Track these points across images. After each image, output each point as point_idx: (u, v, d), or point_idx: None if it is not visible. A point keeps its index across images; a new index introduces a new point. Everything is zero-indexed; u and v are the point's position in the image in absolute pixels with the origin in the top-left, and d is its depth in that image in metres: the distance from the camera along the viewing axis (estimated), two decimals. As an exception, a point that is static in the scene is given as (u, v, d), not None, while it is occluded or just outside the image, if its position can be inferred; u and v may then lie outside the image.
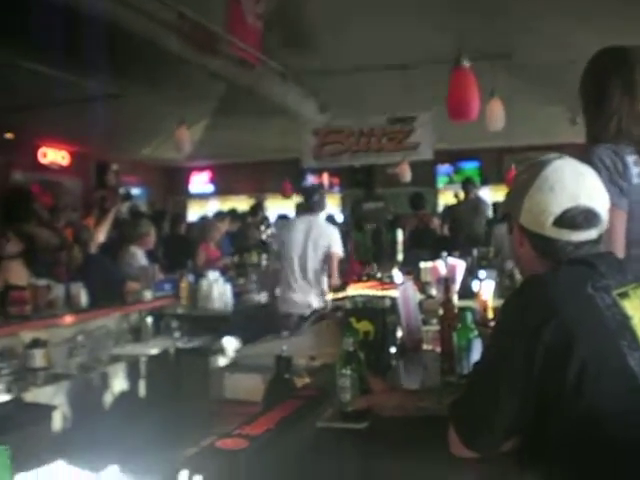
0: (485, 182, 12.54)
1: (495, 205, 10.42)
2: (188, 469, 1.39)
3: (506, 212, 1.74)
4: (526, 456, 1.52)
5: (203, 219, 9.99)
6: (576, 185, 1.56)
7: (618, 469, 1.41)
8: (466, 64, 3.90)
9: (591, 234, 1.57)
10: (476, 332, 2.25)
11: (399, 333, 2.81)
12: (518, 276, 5.22)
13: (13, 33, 6.70)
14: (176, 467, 0.97)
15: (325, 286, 5.58)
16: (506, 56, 7.64)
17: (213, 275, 5.80)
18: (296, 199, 12.42)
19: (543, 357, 1.42)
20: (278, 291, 5.80)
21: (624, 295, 1.49)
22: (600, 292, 1.47)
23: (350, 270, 5.65)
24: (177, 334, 4.85)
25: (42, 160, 11.82)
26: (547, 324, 1.42)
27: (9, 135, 10.32)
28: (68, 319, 4.32)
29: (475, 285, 3.95)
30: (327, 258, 5.66)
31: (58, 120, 9.68)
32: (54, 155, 12.06)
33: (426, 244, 7.44)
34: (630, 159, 2.05)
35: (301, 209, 6.18)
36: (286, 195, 12.94)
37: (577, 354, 1.40)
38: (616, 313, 1.46)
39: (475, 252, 6.45)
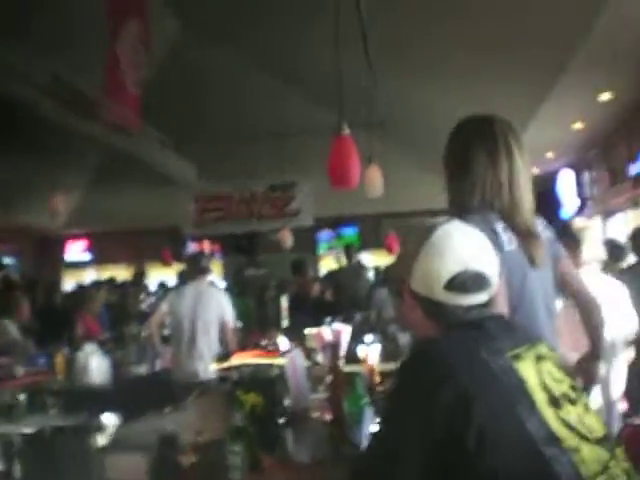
0: (364, 247, 12.77)
1: (376, 269, 10.62)
2: None
3: (395, 276, 1.73)
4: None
5: (81, 288, 9.63)
6: (464, 249, 1.57)
7: None
8: (346, 132, 3.97)
9: (481, 297, 1.57)
10: (367, 399, 2.23)
11: (286, 403, 2.75)
12: (402, 339, 5.32)
13: None
14: None
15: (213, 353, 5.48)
16: (380, 124, 7.91)
17: (90, 347, 5.54)
18: (176, 267, 12.23)
19: (442, 421, 1.40)
20: (159, 362, 5.66)
21: (517, 357, 1.50)
22: (494, 356, 1.48)
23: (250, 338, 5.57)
24: (53, 411, 4.57)
25: None
26: (442, 387, 1.41)
27: None
28: None
29: (361, 350, 3.96)
30: (222, 327, 5.60)
31: None
32: None
33: (307, 310, 7.43)
34: (499, 227, 2.10)
35: (188, 276, 6.06)
36: (166, 263, 12.72)
37: (475, 419, 1.39)
38: (511, 377, 1.47)
39: (358, 316, 6.50)
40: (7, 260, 13.47)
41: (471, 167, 2.13)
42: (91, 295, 7.56)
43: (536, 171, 10.23)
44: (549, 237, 2.29)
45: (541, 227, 2.25)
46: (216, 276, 13.34)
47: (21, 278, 12.10)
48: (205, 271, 5.85)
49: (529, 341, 1.59)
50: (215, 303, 5.68)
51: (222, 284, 11.89)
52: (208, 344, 5.56)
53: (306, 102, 9.03)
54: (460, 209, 2.10)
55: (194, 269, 5.90)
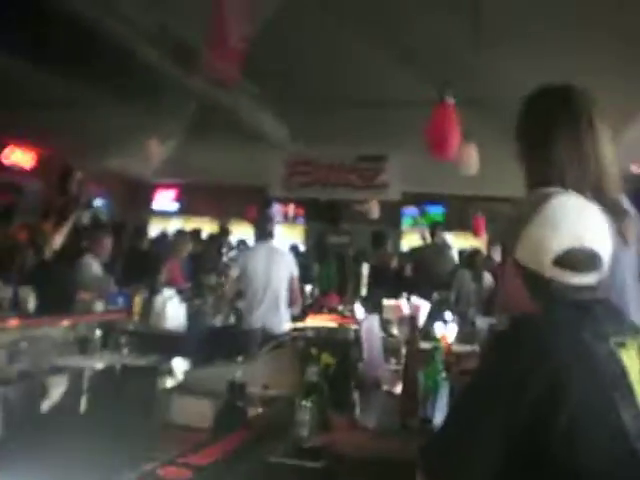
0: (449, 227, 12.54)
1: (460, 251, 10.42)
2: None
3: (501, 243, 1.62)
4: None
5: (165, 235, 9.79)
6: (580, 224, 1.45)
7: None
8: (450, 100, 3.84)
9: (591, 278, 1.45)
10: (444, 374, 2.14)
11: (359, 368, 2.70)
12: (480, 323, 5.20)
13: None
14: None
15: (287, 312, 5.74)
16: (480, 102, 7.68)
17: (169, 293, 5.63)
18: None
19: (529, 405, 1.31)
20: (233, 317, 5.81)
21: (622, 345, 1.38)
22: (597, 340, 1.37)
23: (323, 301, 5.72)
24: (125, 350, 4.66)
25: (5, 160, 11.53)
26: (536, 372, 1.31)
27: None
28: (13, 323, 4.12)
29: (438, 328, 3.87)
30: (290, 284, 5.91)
31: (26, 122, 9.46)
32: (19, 156, 11.77)
33: (386, 282, 7.35)
34: None
35: (261, 236, 6.28)
36: (250, 221, 12.80)
37: (567, 404, 1.29)
38: (613, 364, 1.36)
39: (436, 295, 6.38)
40: (98, 202, 13.83)
41: (553, 141, 1.97)
42: (179, 243, 7.67)
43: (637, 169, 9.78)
44: (636, 214, 2.13)
45: (627, 204, 2.08)
46: (297, 240, 13.41)
47: (109, 219, 12.43)
48: (272, 235, 6.17)
49: (636, 330, 1.46)
50: (284, 263, 5.98)
51: (302, 248, 11.94)
52: (280, 302, 5.82)
53: (407, 76, 8.84)
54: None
55: (264, 232, 6.19)
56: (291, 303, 5.88)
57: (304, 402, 1.73)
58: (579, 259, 1.42)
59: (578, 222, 1.44)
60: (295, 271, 6.01)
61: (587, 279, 1.44)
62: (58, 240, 6.03)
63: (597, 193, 1.87)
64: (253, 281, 5.83)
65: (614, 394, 1.33)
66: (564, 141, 1.95)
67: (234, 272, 6.10)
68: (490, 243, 10.25)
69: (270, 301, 5.78)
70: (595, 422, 1.31)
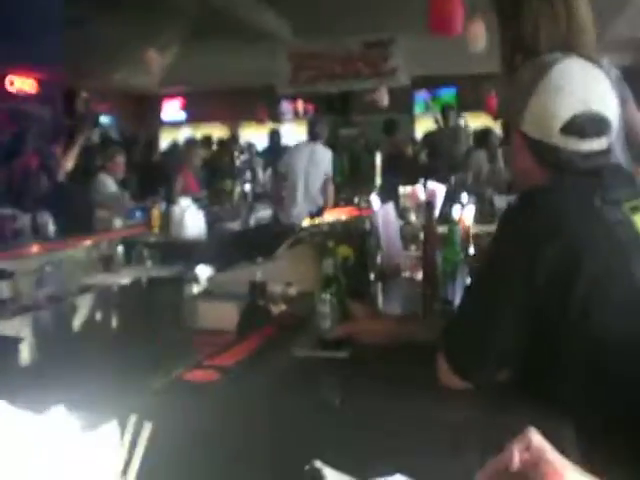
0: (463, 108, 12.32)
1: (474, 132, 10.27)
2: (152, 405, 1.27)
3: (503, 118, 1.57)
4: (524, 385, 1.41)
5: (175, 145, 9.73)
6: (587, 88, 1.39)
7: (627, 392, 1.31)
8: (450, -27, 3.68)
9: (601, 143, 1.40)
10: (462, 255, 2.14)
11: (378, 258, 2.70)
12: (498, 202, 5.17)
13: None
14: (130, 409, 0.86)
15: None
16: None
17: (186, 202, 5.63)
18: (270, 125, 12.19)
19: (546, 275, 1.30)
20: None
21: (635, 210, 1.36)
22: (609, 205, 1.34)
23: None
24: (149, 263, 4.71)
25: (9, 88, 11.40)
26: (551, 238, 1.30)
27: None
28: (35, 249, 4.16)
29: (456, 210, 3.84)
30: (324, 183, 6.29)
31: (25, 46, 9.28)
32: (21, 83, 11.63)
33: (399, 170, 7.30)
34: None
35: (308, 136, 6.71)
36: (261, 121, 12.68)
37: (584, 271, 1.28)
38: (627, 229, 1.34)
39: (453, 179, 6.33)
40: (105, 119, 13.73)
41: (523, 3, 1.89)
42: (190, 152, 7.64)
43: None
44: (616, 75, 2.06)
45: (607, 65, 2.00)
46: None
47: (119, 136, 12.36)
48: (317, 136, 6.52)
49: None
50: (322, 162, 6.31)
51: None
52: (315, 198, 6.23)
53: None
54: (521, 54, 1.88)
55: (310, 131, 6.61)
56: (325, 203, 6.14)
57: (323, 295, 1.74)
58: (587, 124, 1.38)
59: (584, 86, 1.39)
60: (330, 171, 6.31)
61: (596, 144, 1.40)
62: (69, 161, 6.02)
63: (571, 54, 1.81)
64: (293, 179, 6.29)
65: (631, 260, 1.32)
66: (535, 2, 1.89)
67: (281, 169, 6.58)
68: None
69: (307, 199, 6.20)
70: (611, 285, 1.30)
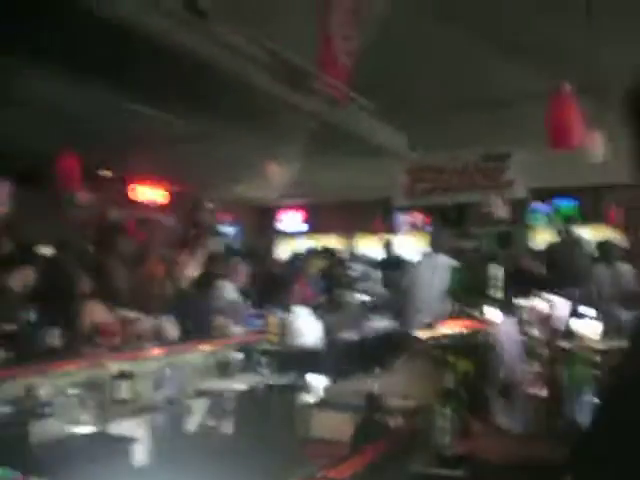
0: (582, 221, 12.06)
1: (596, 244, 10.00)
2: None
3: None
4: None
5: (296, 255, 9.95)
6: None
7: None
8: (567, 88, 3.69)
9: None
10: (590, 372, 2.04)
11: (500, 374, 2.62)
12: (624, 316, 4.95)
13: (112, 73, 6.91)
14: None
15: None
16: (603, 89, 7.35)
17: (303, 311, 5.70)
18: (385, 237, 12.30)
19: None
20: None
21: None
22: None
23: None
24: (265, 370, 4.74)
25: (138, 198, 12.10)
26: None
27: (106, 172, 10.60)
28: (156, 351, 4.28)
29: (580, 325, 3.70)
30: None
31: (154, 159, 9.91)
32: (150, 193, 12.33)
33: (518, 282, 7.15)
34: None
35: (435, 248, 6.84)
36: (376, 232, 12.82)
37: None
38: None
39: (576, 292, 6.13)
40: (228, 229, 14.27)
41: None
42: (309, 261, 7.79)
43: None
44: None
45: None
46: (426, 247, 13.29)
47: (241, 246, 12.78)
48: (439, 247, 6.70)
49: None
50: (446, 274, 6.14)
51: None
52: (436, 312, 5.93)
53: (521, 69, 8.59)
54: None
55: (433, 243, 6.83)
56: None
57: (442, 409, 1.69)
58: None
59: None
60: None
61: None
62: (194, 269, 6.24)
63: None
64: (416, 291, 6.40)
65: None
66: None
67: (404, 281, 6.68)
68: (626, 230, 9.81)
69: (429, 310, 6.05)
70: None
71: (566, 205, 13.36)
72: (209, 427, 3.92)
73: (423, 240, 13.88)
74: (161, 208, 12.54)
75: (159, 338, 4.60)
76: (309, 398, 3.77)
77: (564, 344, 2.65)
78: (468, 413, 1.74)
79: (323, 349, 5.46)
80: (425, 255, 6.77)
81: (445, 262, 6.47)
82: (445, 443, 1.69)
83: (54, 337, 4.04)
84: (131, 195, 11.92)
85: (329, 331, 5.90)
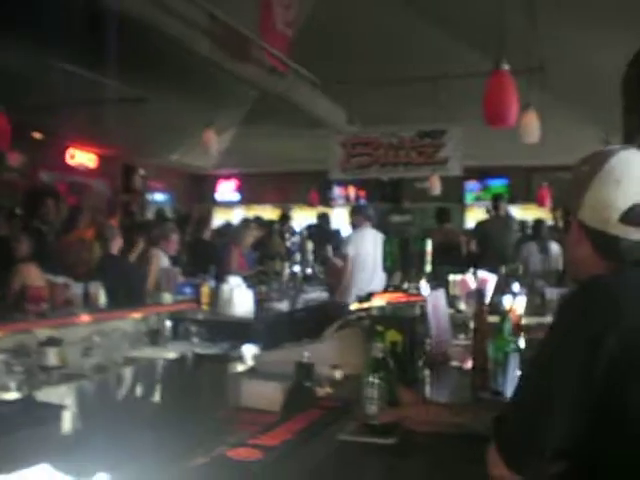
0: (513, 200, 12.33)
1: (523, 223, 10.24)
2: None
3: (562, 208, 1.57)
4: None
5: (228, 225, 9.90)
6: None
7: None
8: (505, 67, 3.74)
9: None
10: (513, 345, 2.10)
11: (427, 345, 2.67)
12: (549, 294, 5.09)
13: (45, 33, 6.69)
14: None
15: None
16: (539, 69, 7.48)
17: (235, 280, 5.67)
18: (318, 209, 12.34)
19: (605, 369, 1.26)
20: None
21: None
22: None
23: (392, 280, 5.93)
24: (196, 339, 4.72)
25: (70, 161, 11.81)
26: (611, 331, 1.26)
27: (37, 135, 10.29)
28: (84, 318, 4.20)
29: (507, 300, 3.79)
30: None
31: (86, 122, 9.66)
32: (82, 157, 12.04)
33: (450, 259, 7.29)
34: None
35: (356, 223, 7.03)
36: (312, 205, 12.85)
37: None
38: None
39: (504, 269, 6.27)
40: (161, 196, 14.08)
41: None
42: (242, 231, 7.75)
43: None
44: None
45: None
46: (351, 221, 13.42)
47: (174, 213, 12.62)
48: (371, 219, 6.95)
49: None
50: (377, 248, 6.29)
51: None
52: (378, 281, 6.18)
53: (460, 46, 8.66)
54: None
55: (362, 217, 6.91)
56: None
57: (371, 378, 1.71)
58: None
59: None
60: None
61: None
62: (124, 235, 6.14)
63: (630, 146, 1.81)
64: (362, 262, 6.55)
65: None
66: None
67: (350, 250, 6.72)
68: (554, 210, 10.07)
69: (372, 281, 6.30)
70: None
71: (497, 184, 13.63)
72: (138, 395, 3.89)
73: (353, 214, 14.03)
74: (93, 172, 12.27)
75: (88, 304, 4.52)
76: (239, 367, 3.78)
77: (490, 318, 2.71)
78: (396, 383, 1.77)
79: (254, 319, 5.45)
80: (364, 228, 6.84)
81: (375, 236, 6.63)
82: (373, 412, 1.71)
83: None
84: (63, 158, 11.62)
85: (261, 301, 5.90)
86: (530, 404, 1.37)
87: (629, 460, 1.28)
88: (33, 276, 4.59)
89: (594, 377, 1.27)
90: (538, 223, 8.48)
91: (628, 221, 1.38)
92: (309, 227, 10.75)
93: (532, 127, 6.23)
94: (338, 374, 2.40)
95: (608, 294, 1.33)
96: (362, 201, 14.51)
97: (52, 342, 3.56)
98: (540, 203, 11.37)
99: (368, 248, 6.59)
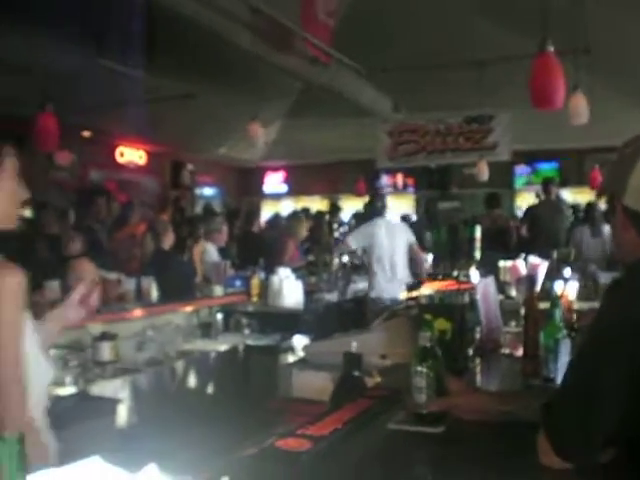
0: (565, 184, 12.11)
1: (575, 207, 10.05)
2: (244, 470, 1.27)
3: (607, 192, 1.53)
4: (628, 466, 1.33)
5: (277, 217, 9.94)
6: None
7: None
8: (550, 49, 3.67)
9: None
10: (564, 332, 2.07)
11: (477, 333, 2.65)
12: (602, 279, 5.00)
13: (93, 33, 6.80)
14: (221, 474, 0.86)
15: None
16: (585, 51, 7.32)
17: (284, 272, 5.70)
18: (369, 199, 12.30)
19: None
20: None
21: None
22: None
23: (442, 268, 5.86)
24: (247, 331, 4.77)
25: (119, 159, 12.00)
26: None
27: (86, 133, 10.47)
28: (137, 313, 4.28)
29: (558, 286, 3.74)
30: (410, 251, 6.37)
31: (135, 120, 9.79)
32: (131, 154, 12.22)
33: (500, 245, 7.21)
34: None
35: (373, 213, 6.72)
36: (360, 195, 12.82)
37: None
38: None
39: (555, 254, 6.18)
40: (209, 191, 14.22)
41: None
42: (295, 223, 7.78)
43: None
44: None
45: None
46: (408, 209, 13.35)
47: (222, 207, 12.73)
48: (384, 210, 6.63)
49: None
50: (401, 233, 6.44)
51: (413, 217, 11.87)
52: (402, 271, 6.25)
53: (506, 29, 8.53)
54: None
55: (378, 208, 6.62)
56: (417, 268, 6.30)
57: (419, 368, 1.70)
58: None
59: None
60: (413, 239, 6.45)
61: None
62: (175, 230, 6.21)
63: None
64: (379, 255, 6.27)
65: None
66: None
67: (354, 246, 6.53)
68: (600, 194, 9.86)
69: (394, 272, 6.20)
70: None
71: (548, 167, 13.41)
72: (192, 387, 3.96)
73: (405, 201, 13.97)
74: (142, 169, 12.45)
75: (140, 299, 4.60)
76: (290, 358, 3.80)
77: (541, 304, 2.68)
78: (445, 371, 1.76)
79: (304, 310, 5.48)
80: (378, 219, 6.57)
81: (395, 223, 6.68)
82: (422, 401, 1.71)
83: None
84: (112, 156, 11.81)
85: (311, 292, 5.92)
86: (578, 391, 1.35)
87: None
88: (87, 272, 4.68)
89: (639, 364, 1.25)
90: (590, 206, 8.31)
91: None
92: (355, 215, 10.74)
93: (581, 108, 6.11)
94: (387, 363, 2.40)
95: None
96: (410, 189, 14.43)
97: (106, 337, 3.63)
98: (592, 186, 11.14)
99: (382, 241, 6.32)
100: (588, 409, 1.32)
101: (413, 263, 6.36)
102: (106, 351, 3.59)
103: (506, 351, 2.80)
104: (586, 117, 6.21)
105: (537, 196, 9.61)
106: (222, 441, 1.74)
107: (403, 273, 6.24)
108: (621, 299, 1.33)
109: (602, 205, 8.72)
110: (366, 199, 12.20)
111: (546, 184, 8.92)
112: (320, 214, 10.51)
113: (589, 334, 1.40)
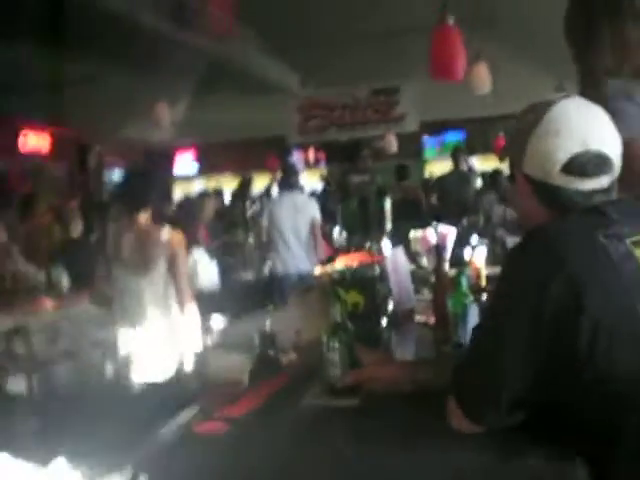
0: (471, 151, 12.37)
1: (483, 174, 10.31)
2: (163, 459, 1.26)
3: (507, 159, 1.58)
4: (535, 429, 1.38)
5: (187, 199, 9.81)
6: (585, 128, 1.40)
7: (633, 440, 1.29)
8: (450, 21, 3.73)
9: (602, 182, 1.41)
10: (471, 297, 2.13)
11: (390, 303, 2.69)
12: (510, 243, 5.15)
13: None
14: (131, 464, 0.85)
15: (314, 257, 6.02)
16: (490, 21, 7.46)
17: (198, 254, 5.66)
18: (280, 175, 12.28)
19: (552, 315, 1.29)
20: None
21: (638, 244, 1.35)
22: (613, 240, 1.33)
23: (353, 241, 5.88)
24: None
25: (24, 145, 11.58)
26: (554, 278, 1.29)
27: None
28: (49, 304, 4.18)
29: (467, 252, 3.83)
30: (312, 229, 6.24)
31: (37, 104, 9.46)
32: (35, 140, 11.81)
33: (412, 215, 7.33)
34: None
35: (284, 186, 6.68)
36: (272, 170, 12.79)
37: (589, 311, 1.27)
38: (631, 264, 1.33)
39: (464, 221, 6.33)
40: (118, 174, 13.90)
41: (595, 31, 1.92)
42: (203, 204, 7.69)
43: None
44: None
45: None
46: (320, 184, 13.38)
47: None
48: (295, 185, 6.58)
49: None
50: (307, 210, 6.31)
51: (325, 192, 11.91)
52: (308, 248, 6.18)
53: (411, 2, 8.61)
54: (594, 77, 1.90)
55: (287, 182, 6.58)
56: (314, 248, 6.20)
57: (331, 342, 1.73)
58: (586, 164, 1.39)
59: (581, 126, 1.40)
60: (317, 216, 6.31)
61: (597, 183, 1.41)
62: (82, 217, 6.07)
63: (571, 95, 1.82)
64: (281, 230, 6.19)
65: (633, 293, 1.31)
66: (607, 28, 1.91)
67: (265, 223, 6.41)
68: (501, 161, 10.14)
69: (298, 248, 6.14)
70: (616, 321, 1.29)
71: (455, 137, 13.67)
72: (109, 377, 3.89)
73: (317, 176, 14.00)
74: (47, 155, 12.05)
75: (51, 290, 4.49)
76: (207, 339, 3.78)
77: (451, 271, 2.74)
78: (357, 344, 1.79)
79: (219, 291, 5.45)
80: (282, 194, 6.62)
81: (303, 199, 6.55)
82: (336, 375, 1.73)
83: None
84: (14, 142, 11.39)
85: (224, 272, 5.90)
86: (484, 353, 1.39)
87: (587, 405, 1.32)
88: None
89: (544, 322, 1.30)
90: (495, 173, 8.55)
91: (570, 171, 1.39)
92: (267, 191, 10.71)
93: (482, 78, 6.25)
94: (301, 340, 2.41)
95: (551, 241, 1.35)
96: (322, 164, 14.47)
97: (18, 330, 3.54)
98: (498, 153, 11.43)
99: (285, 216, 6.27)
100: (494, 369, 1.36)
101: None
102: (18, 344, 3.50)
103: (421, 320, 2.86)
104: (488, 85, 6.36)
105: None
106: (138, 428, 1.72)
107: (307, 248, 6.22)
108: (521, 263, 1.38)
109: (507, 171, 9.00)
110: (278, 175, 12.24)
111: (454, 154, 9.11)
112: (232, 193, 10.45)
113: (492, 298, 1.45)
